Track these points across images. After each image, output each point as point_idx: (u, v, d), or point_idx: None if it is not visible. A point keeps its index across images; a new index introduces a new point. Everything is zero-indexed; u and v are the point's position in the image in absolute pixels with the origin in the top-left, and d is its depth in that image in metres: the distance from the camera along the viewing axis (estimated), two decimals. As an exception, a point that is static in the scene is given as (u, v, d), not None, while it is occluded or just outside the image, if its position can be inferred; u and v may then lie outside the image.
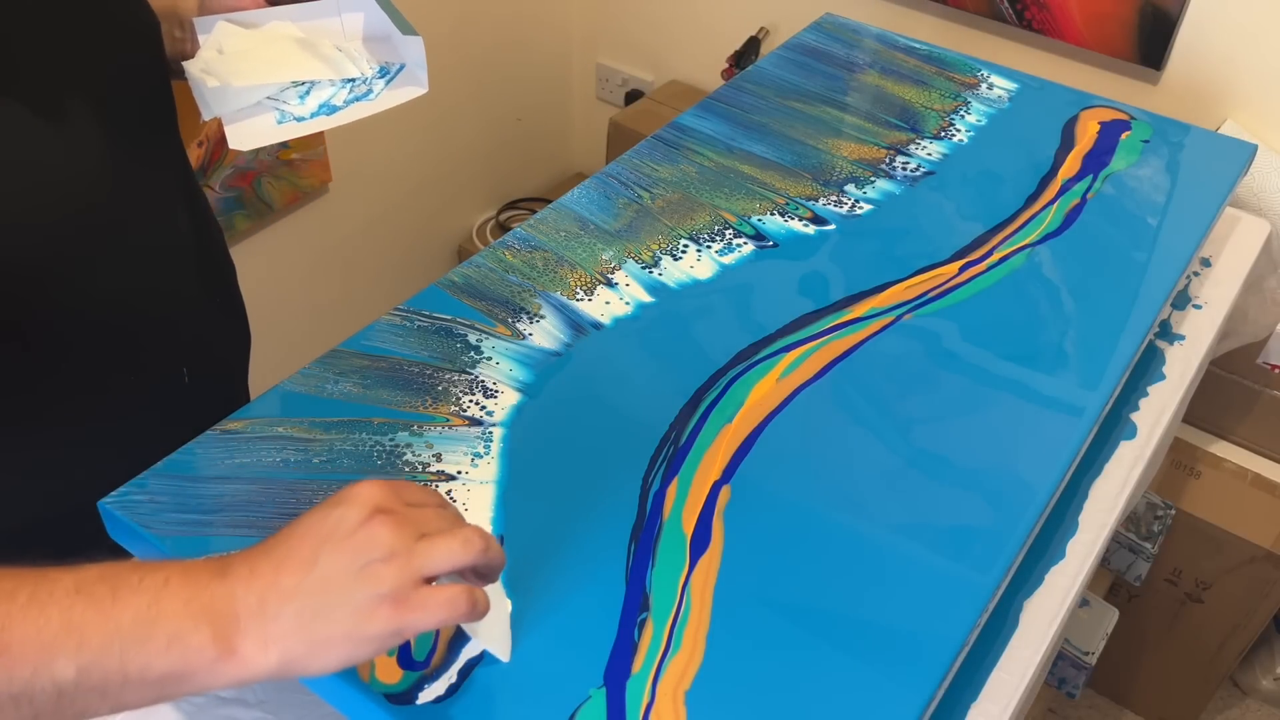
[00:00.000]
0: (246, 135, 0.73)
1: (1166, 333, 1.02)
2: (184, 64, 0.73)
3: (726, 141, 1.07)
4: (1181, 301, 1.06)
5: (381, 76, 0.77)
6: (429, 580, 0.52)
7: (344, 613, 0.50)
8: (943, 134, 1.10)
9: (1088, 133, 1.12)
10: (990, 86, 1.18)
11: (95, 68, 0.69)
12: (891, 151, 1.07)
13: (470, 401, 0.78)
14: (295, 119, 0.73)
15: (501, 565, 0.56)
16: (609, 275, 0.90)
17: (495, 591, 0.61)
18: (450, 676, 0.61)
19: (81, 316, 0.71)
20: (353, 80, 0.76)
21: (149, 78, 0.76)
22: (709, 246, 0.93)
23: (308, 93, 0.74)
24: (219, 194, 1.52)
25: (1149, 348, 1.00)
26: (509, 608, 0.64)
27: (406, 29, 0.76)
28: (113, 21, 0.72)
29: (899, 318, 0.87)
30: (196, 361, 0.82)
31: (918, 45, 1.25)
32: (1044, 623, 0.77)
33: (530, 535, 0.69)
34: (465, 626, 0.60)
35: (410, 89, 0.75)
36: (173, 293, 0.79)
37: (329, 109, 0.74)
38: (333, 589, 0.50)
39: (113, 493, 0.69)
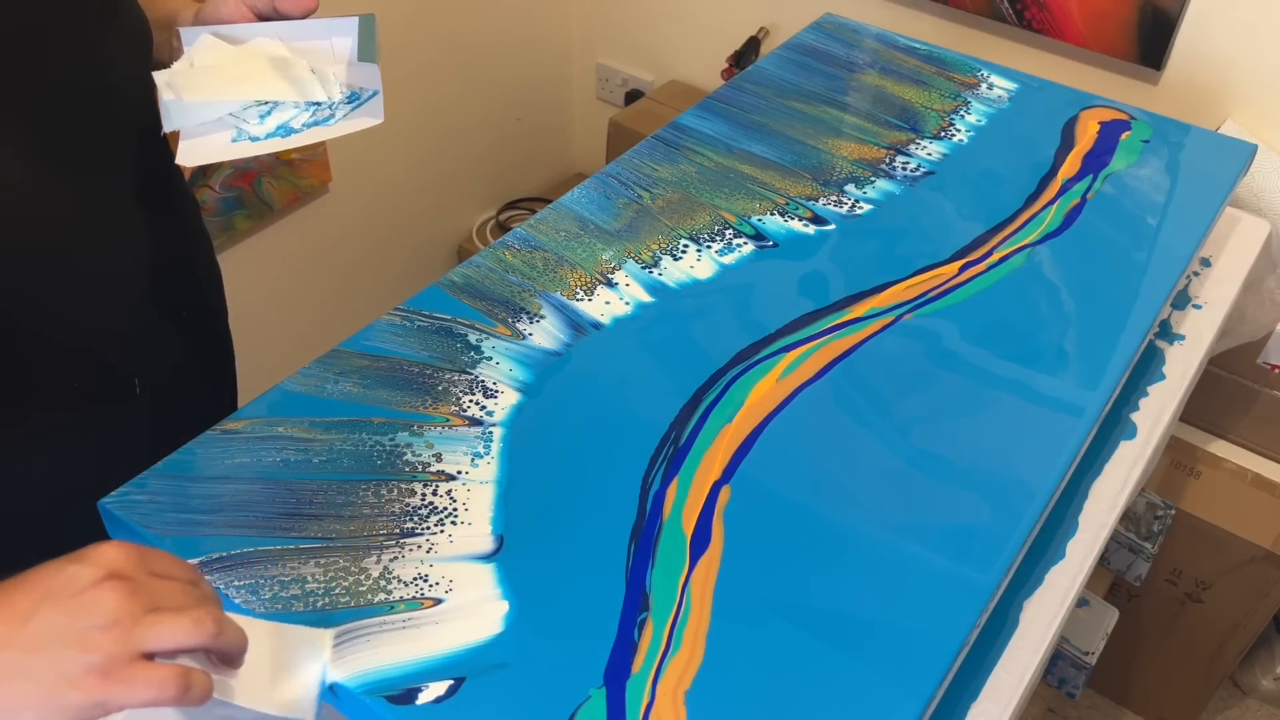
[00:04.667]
0: (197, 151, 0.72)
1: (1166, 333, 1.02)
2: (154, 74, 0.72)
3: (726, 141, 1.07)
4: (1181, 301, 1.06)
5: (350, 102, 0.75)
6: (151, 656, 0.50)
7: (47, 675, 0.48)
8: (943, 134, 1.10)
9: (1088, 133, 1.12)
10: (990, 86, 1.18)
11: (30, 85, 0.68)
12: (891, 151, 1.07)
13: (470, 401, 0.78)
14: (250, 138, 0.72)
15: (240, 650, 0.54)
16: (609, 275, 0.90)
17: (302, 660, 0.60)
18: (450, 678, 0.61)
19: (17, 326, 0.69)
20: (317, 104, 0.74)
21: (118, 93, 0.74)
22: (709, 246, 0.93)
23: (269, 113, 0.73)
24: (219, 194, 1.52)
25: (1149, 348, 1.00)
26: (313, 678, 0.61)
27: (367, 55, 0.75)
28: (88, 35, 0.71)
29: (899, 318, 0.87)
30: (149, 372, 0.81)
31: (918, 45, 1.25)
32: (1044, 623, 0.77)
33: (530, 535, 0.69)
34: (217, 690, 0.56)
35: (366, 119, 0.74)
36: (116, 306, 0.77)
37: (286, 130, 0.73)
38: (43, 648, 0.48)
39: (113, 493, 0.69)
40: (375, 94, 0.74)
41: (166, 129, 0.71)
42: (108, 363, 0.77)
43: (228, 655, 0.54)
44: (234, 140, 0.72)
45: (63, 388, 0.74)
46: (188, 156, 0.71)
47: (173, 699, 0.50)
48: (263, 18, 0.76)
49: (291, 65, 0.74)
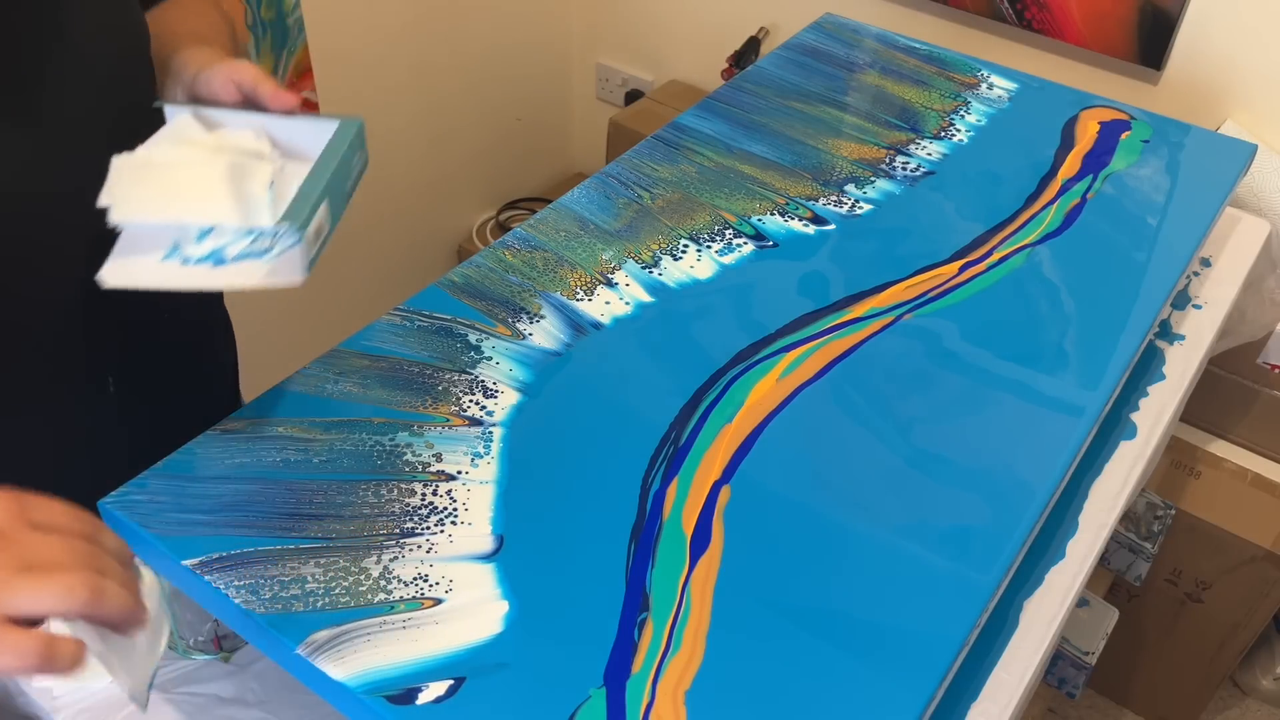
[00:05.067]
0: (123, 271, 0.66)
1: (1166, 333, 1.02)
2: (113, 157, 0.67)
3: (726, 141, 1.07)
4: (1181, 301, 1.06)
5: (279, 239, 0.67)
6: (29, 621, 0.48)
7: None
8: (943, 134, 1.10)
9: (1088, 133, 1.12)
10: (990, 86, 1.18)
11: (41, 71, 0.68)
12: (891, 151, 1.07)
13: (470, 401, 0.78)
14: (183, 259, 0.67)
15: (125, 618, 0.51)
16: (609, 275, 0.90)
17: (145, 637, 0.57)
18: (449, 677, 0.61)
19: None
20: (256, 233, 0.67)
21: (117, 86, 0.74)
22: (709, 246, 0.94)
23: (209, 233, 0.68)
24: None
25: (1149, 348, 1.00)
26: (154, 660, 0.59)
27: (297, 220, 0.67)
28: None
29: (899, 318, 0.87)
30: (125, 373, 0.80)
31: (918, 45, 1.25)
32: (1044, 623, 0.77)
33: (530, 535, 0.69)
34: (98, 658, 0.53)
35: (285, 278, 0.67)
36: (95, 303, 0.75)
37: (218, 259, 0.67)
38: None
39: (113, 493, 0.69)
40: (294, 244, 0.66)
41: (110, 223, 0.67)
42: (75, 349, 0.77)
43: (111, 622, 0.51)
44: (165, 258, 0.67)
45: (30, 373, 0.74)
46: (113, 276, 0.65)
47: (33, 669, 0.47)
48: (248, 103, 0.73)
49: (250, 176, 0.69)
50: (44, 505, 0.51)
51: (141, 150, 0.70)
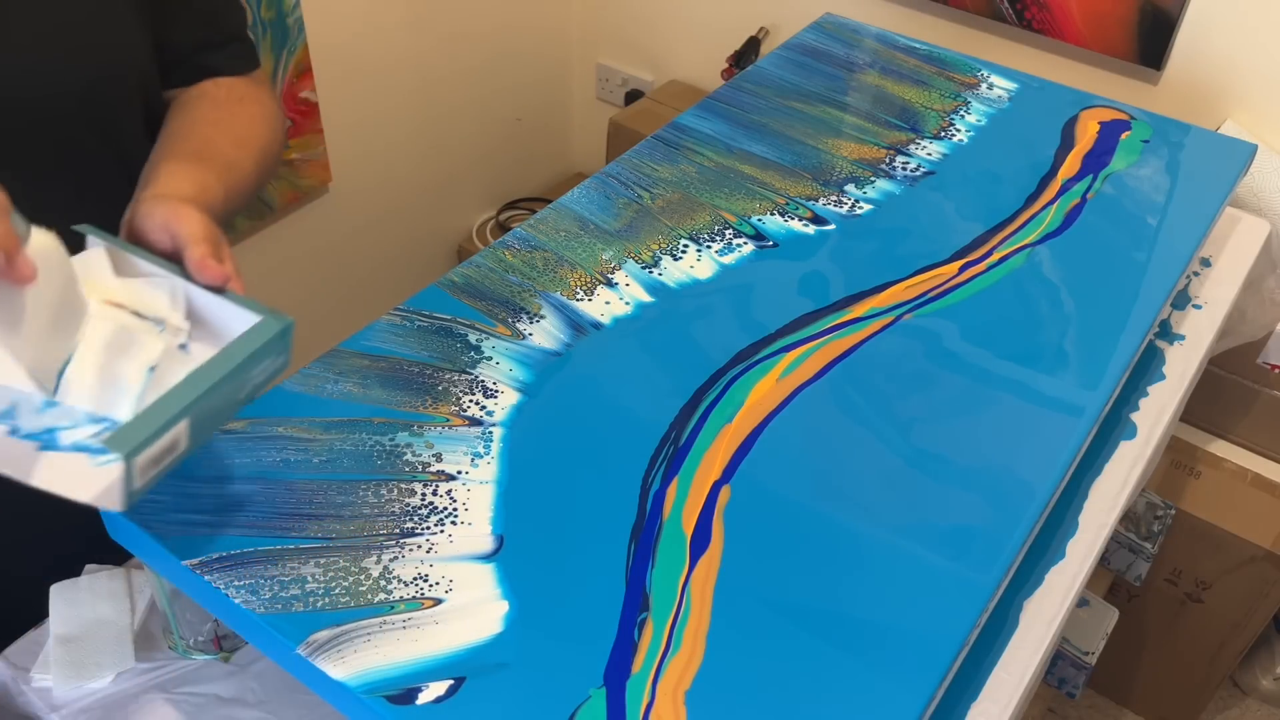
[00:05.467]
0: None
1: (1166, 333, 1.02)
2: None
3: (726, 141, 1.07)
4: (1181, 301, 1.06)
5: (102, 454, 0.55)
6: None
7: None
8: (943, 134, 1.10)
9: (1088, 133, 1.12)
10: (990, 86, 1.18)
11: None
12: (891, 151, 1.07)
13: (470, 401, 0.78)
14: (9, 430, 0.55)
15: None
16: (609, 275, 0.90)
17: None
18: (449, 677, 0.61)
19: None
20: (107, 424, 0.57)
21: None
22: (709, 246, 0.94)
23: (47, 408, 0.56)
24: (219, 194, 1.52)
25: (1149, 348, 1.00)
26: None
27: (125, 444, 0.55)
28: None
29: (899, 318, 0.87)
30: None
31: (918, 45, 1.25)
32: (1044, 623, 0.77)
33: (530, 535, 0.69)
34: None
35: (107, 501, 0.56)
36: None
37: (48, 441, 0.55)
38: None
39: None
40: (114, 465, 0.54)
41: None
42: None
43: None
44: None
45: None
46: None
47: None
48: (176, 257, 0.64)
49: (131, 350, 0.59)
50: None
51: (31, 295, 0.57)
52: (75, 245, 0.61)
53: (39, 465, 0.55)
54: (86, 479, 0.55)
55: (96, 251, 0.62)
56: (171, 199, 0.66)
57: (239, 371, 0.60)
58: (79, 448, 0.55)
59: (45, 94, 0.70)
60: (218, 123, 0.79)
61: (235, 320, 0.63)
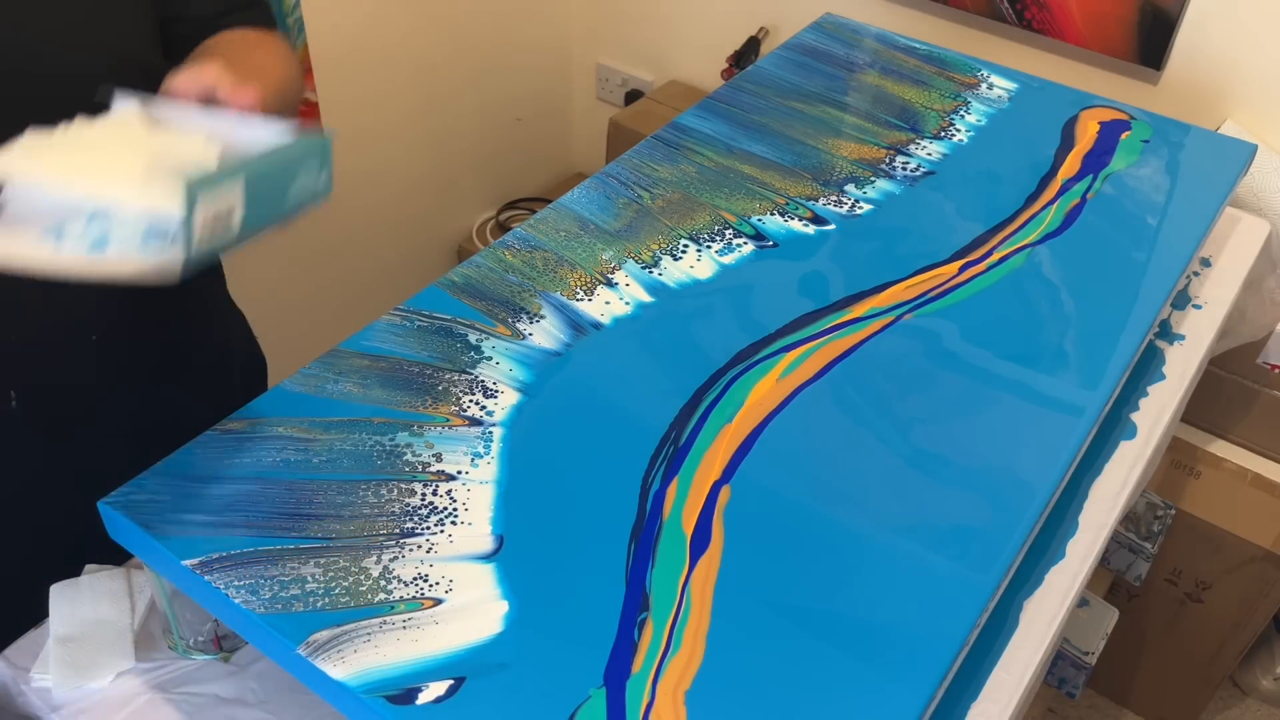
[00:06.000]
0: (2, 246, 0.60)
1: (1166, 333, 1.02)
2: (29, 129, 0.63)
3: (726, 141, 1.07)
4: (1181, 301, 1.06)
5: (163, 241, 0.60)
6: None
7: None
8: (943, 134, 1.10)
9: (1088, 133, 1.12)
10: (990, 86, 1.18)
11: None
12: (891, 151, 1.07)
13: (470, 401, 0.78)
14: (57, 240, 0.60)
15: None
16: (609, 275, 0.90)
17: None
18: (449, 677, 0.61)
19: None
20: (153, 222, 0.60)
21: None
22: (709, 246, 0.93)
23: (95, 217, 0.60)
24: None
25: (1149, 348, 1.00)
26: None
27: (193, 184, 0.59)
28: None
29: (899, 318, 0.87)
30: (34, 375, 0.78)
31: (918, 45, 1.25)
32: (1044, 623, 0.77)
33: (530, 535, 0.69)
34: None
35: (168, 261, 0.60)
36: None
37: (99, 245, 0.60)
38: None
39: (112, 493, 0.69)
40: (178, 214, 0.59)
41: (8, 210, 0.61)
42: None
43: None
44: (43, 233, 0.60)
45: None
46: None
47: None
48: (210, 106, 0.68)
49: (172, 163, 0.62)
50: None
51: (63, 127, 0.63)
52: None
53: (89, 268, 0.59)
54: (148, 256, 0.59)
55: (125, 106, 0.65)
56: (193, 65, 0.69)
57: (287, 166, 0.64)
58: (130, 245, 0.59)
59: (51, 75, 0.72)
60: (235, 48, 0.80)
61: (273, 139, 0.66)
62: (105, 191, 0.60)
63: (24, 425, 0.80)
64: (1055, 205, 1.01)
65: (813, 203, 0.99)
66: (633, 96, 2.05)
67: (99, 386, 0.84)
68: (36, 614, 0.76)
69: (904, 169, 1.05)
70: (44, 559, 0.79)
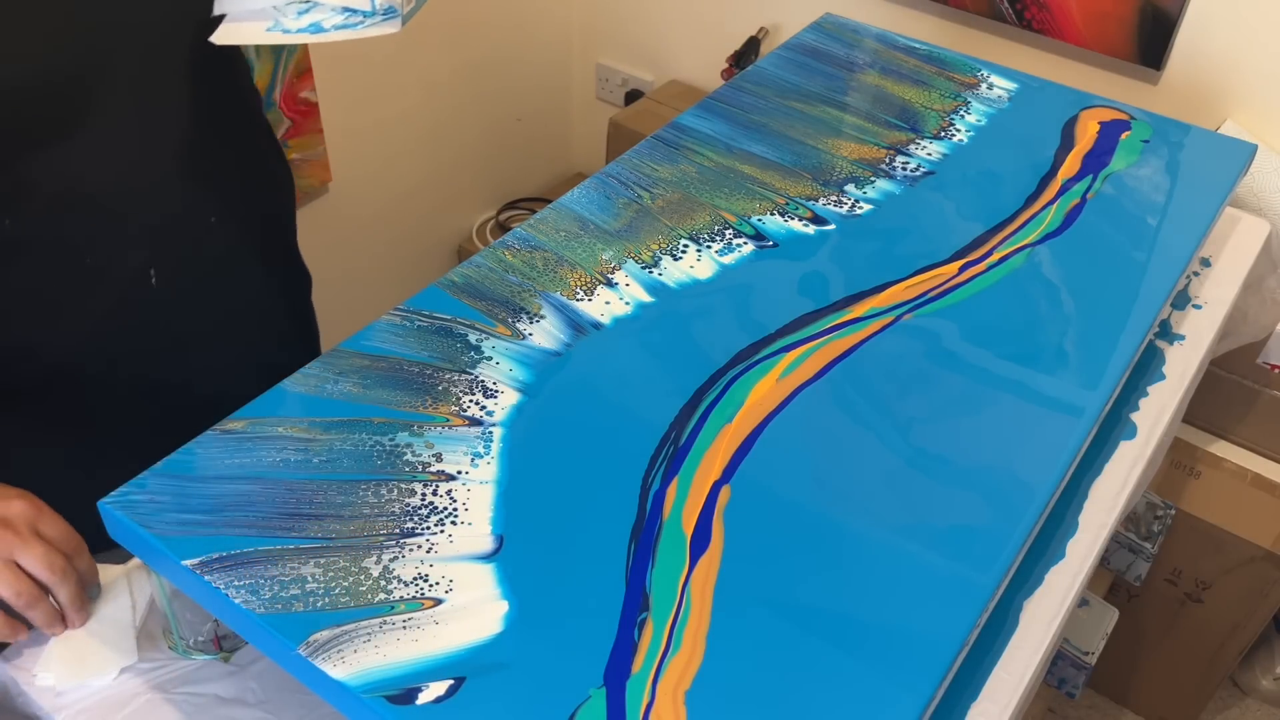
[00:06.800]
0: (234, 34, 0.74)
1: (1166, 333, 1.02)
2: None
3: (726, 141, 1.07)
4: (1181, 301, 1.06)
5: (384, 14, 0.76)
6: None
7: None
8: (943, 134, 1.10)
9: (1088, 133, 1.12)
10: (990, 86, 1.18)
11: None
12: (891, 151, 1.07)
13: (470, 401, 0.78)
14: (283, 30, 0.75)
15: (43, 625, 0.69)
16: (609, 275, 0.90)
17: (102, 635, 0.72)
18: (449, 677, 0.61)
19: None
20: (352, 10, 0.75)
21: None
22: (709, 246, 0.94)
23: (307, 10, 0.75)
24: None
25: (1149, 348, 1.00)
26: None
27: None
28: None
29: (899, 318, 0.87)
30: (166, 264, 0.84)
31: (918, 45, 1.25)
32: (1044, 623, 0.77)
33: (530, 535, 0.69)
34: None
35: (386, 27, 0.75)
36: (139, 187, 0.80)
37: (316, 28, 0.75)
38: None
39: (112, 493, 0.69)
40: (393, 12, 0.75)
41: (215, 11, 0.75)
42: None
43: (60, 594, 0.68)
44: (269, 29, 0.74)
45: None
46: (224, 37, 0.74)
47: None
48: None
49: None
50: (51, 519, 0.67)
51: None
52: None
53: (317, 40, 0.73)
54: (362, 30, 0.73)
55: None
56: None
57: None
58: (341, 27, 0.74)
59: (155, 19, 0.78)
60: None
61: None
62: None
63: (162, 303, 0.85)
64: (1055, 205, 1.01)
65: (813, 203, 0.99)
66: (633, 96, 2.05)
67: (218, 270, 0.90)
68: None
69: (904, 169, 1.05)
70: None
